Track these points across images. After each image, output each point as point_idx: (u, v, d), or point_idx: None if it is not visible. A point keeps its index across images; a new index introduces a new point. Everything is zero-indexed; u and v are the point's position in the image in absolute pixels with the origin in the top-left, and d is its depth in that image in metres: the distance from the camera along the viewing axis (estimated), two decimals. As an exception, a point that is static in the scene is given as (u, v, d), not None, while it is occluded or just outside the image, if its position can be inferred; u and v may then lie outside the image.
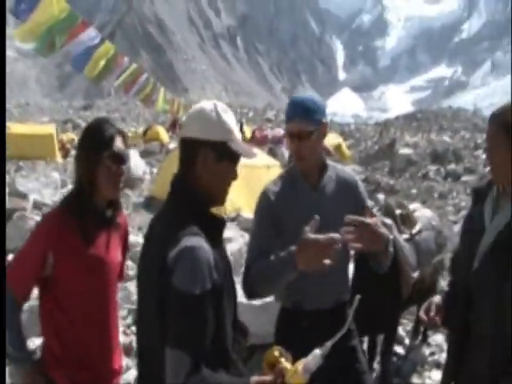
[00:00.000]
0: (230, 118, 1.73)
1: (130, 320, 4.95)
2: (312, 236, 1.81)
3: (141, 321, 1.79)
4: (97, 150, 2.08)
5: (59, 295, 2.06)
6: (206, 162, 1.68)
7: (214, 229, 1.71)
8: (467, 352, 2.04)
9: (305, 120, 2.19)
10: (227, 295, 1.68)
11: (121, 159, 2.13)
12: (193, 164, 1.69)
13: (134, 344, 4.19)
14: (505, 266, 1.86)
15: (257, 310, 3.95)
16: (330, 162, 2.43)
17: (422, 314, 2.18)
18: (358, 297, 1.65)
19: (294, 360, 1.57)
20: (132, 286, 5.39)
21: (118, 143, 2.13)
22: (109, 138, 2.10)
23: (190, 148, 1.70)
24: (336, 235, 1.78)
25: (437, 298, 2.21)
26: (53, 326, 2.09)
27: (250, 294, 2.16)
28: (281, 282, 2.01)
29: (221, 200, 1.78)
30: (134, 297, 5.27)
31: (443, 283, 6.14)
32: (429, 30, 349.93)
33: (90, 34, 5.42)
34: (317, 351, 1.55)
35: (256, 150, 12.54)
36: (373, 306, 3.04)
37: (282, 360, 1.57)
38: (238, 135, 1.75)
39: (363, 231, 1.90)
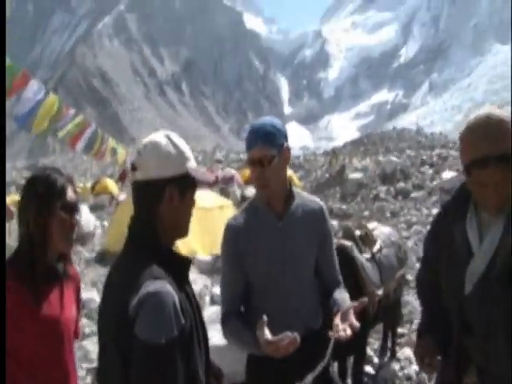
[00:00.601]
0: (184, 145, 1.66)
1: (88, 380, 4.74)
2: (269, 339, 1.80)
3: (103, 380, 1.62)
4: (49, 200, 1.95)
5: (14, 370, 1.89)
6: (172, 199, 1.60)
7: (179, 269, 1.60)
8: None
9: (266, 145, 2.13)
10: (197, 340, 1.57)
11: (74, 209, 2.02)
12: (156, 205, 1.59)
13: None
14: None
15: (221, 350, 3.87)
16: (295, 189, 2.36)
17: (417, 361, 2.14)
18: (334, 336, 1.71)
19: None
20: (89, 345, 5.20)
21: (70, 193, 2.02)
22: (61, 188, 1.99)
23: (152, 189, 1.59)
24: (294, 335, 1.76)
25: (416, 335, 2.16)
26: None
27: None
28: (249, 351, 2.09)
29: (185, 232, 1.70)
30: (92, 355, 5.07)
31: (407, 297, 6.24)
32: (369, 59, 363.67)
33: (33, 88, 5.28)
34: None
35: (208, 192, 12.58)
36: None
37: None
38: (193, 160, 1.68)
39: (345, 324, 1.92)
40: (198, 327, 1.61)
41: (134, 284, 1.45)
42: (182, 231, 1.69)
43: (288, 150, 2.22)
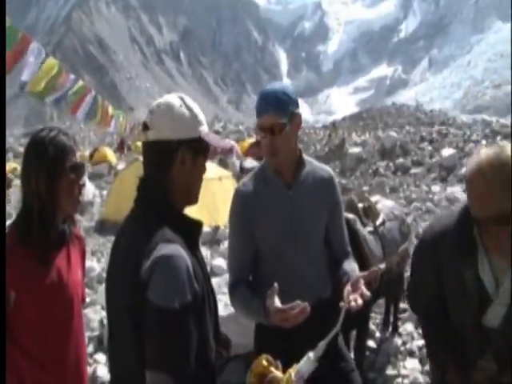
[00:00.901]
0: (197, 109, 1.61)
1: (91, 348, 4.73)
2: (279, 307, 1.77)
3: (113, 347, 1.59)
4: (59, 162, 1.90)
5: (22, 336, 1.87)
6: (183, 162, 1.56)
7: (190, 233, 1.57)
8: None
9: (277, 113, 2.07)
10: (208, 306, 1.55)
11: (82, 170, 1.99)
12: (168, 167, 1.56)
13: (98, 374, 4.02)
14: None
15: (224, 321, 3.87)
16: (306, 157, 2.31)
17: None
18: (343, 304, 1.70)
19: (284, 367, 1.49)
20: (90, 313, 5.19)
21: (77, 154, 2.01)
22: (70, 149, 1.95)
23: (164, 151, 1.55)
24: (305, 304, 1.72)
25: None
26: (17, 375, 1.87)
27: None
28: (256, 321, 2.07)
29: (196, 199, 1.66)
30: (94, 324, 5.07)
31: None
32: (368, 33, 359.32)
33: (34, 51, 5.14)
34: (310, 355, 1.47)
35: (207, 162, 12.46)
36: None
37: (272, 369, 1.48)
38: (206, 125, 1.64)
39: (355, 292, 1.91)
40: (209, 293, 1.59)
41: (146, 247, 1.42)
42: (192, 197, 1.66)
43: (299, 117, 2.18)
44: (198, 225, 1.61)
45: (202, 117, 1.62)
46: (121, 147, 28.35)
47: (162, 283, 1.37)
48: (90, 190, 14.42)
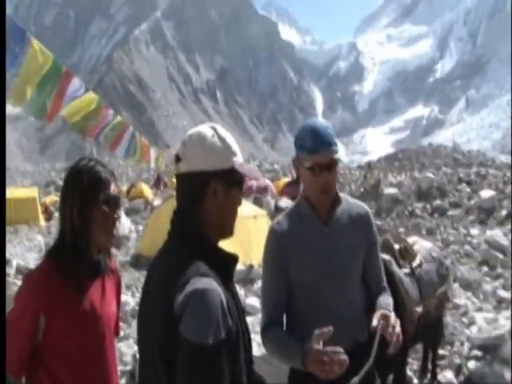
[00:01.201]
0: (231, 139, 1.59)
1: (123, 382, 4.77)
2: (321, 349, 1.73)
3: (144, 382, 1.56)
4: (93, 192, 1.92)
5: (51, 362, 1.89)
6: (216, 194, 1.52)
7: (225, 267, 1.52)
8: None
9: (332, 148, 2.09)
10: (243, 343, 1.49)
11: (117, 203, 2.00)
12: (201, 199, 1.52)
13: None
14: None
15: (258, 361, 3.85)
16: (341, 193, 2.30)
17: None
18: (379, 328, 1.63)
19: None
20: (123, 347, 5.25)
21: (113, 186, 2.00)
22: (105, 180, 1.96)
23: (196, 182, 1.52)
24: (345, 358, 1.69)
25: None
26: None
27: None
28: (291, 364, 2.01)
29: (230, 231, 1.61)
30: (127, 358, 5.13)
31: (449, 318, 6.07)
32: (403, 73, 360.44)
33: (75, 85, 5.28)
34: None
35: (242, 200, 12.54)
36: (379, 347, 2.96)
37: None
38: (241, 155, 1.62)
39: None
40: (244, 330, 1.53)
41: (179, 281, 1.38)
42: (227, 229, 1.61)
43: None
44: (233, 258, 1.56)
45: (235, 147, 1.58)
46: (157, 183, 28.97)
47: (195, 318, 1.33)
48: (126, 224, 14.67)
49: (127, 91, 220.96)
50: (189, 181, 1.53)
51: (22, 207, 18.41)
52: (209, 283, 1.37)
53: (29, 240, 12.57)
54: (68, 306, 1.88)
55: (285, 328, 2.18)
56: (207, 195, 1.51)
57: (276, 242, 2.18)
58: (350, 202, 2.30)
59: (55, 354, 1.89)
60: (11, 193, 20.94)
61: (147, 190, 25.19)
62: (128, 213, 18.61)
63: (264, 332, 2.16)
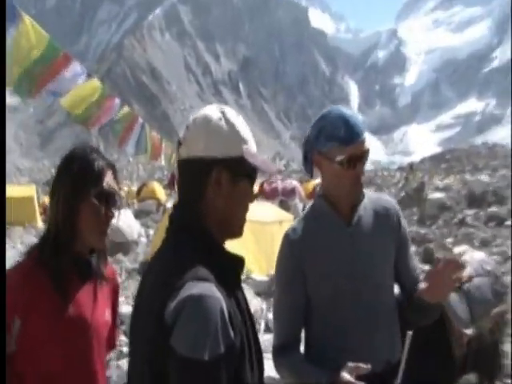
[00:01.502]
0: (242, 125, 1.54)
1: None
2: (349, 378, 1.77)
3: None
4: (83, 184, 1.87)
5: (27, 372, 1.81)
6: (219, 184, 1.47)
7: (229, 270, 1.46)
8: None
9: (364, 138, 2.11)
10: (249, 360, 1.41)
11: (111, 199, 1.93)
12: (202, 189, 1.48)
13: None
14: None
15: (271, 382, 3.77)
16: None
17: None
18: (410, 333, 1.67)
19: None
20: (126, 365, 5.20)
21: (109, 179, 1.93)
22: (98, 171, 1.90)
23: (197, 170, 1.48)
24: None
25: None
26: None
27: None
28: None
29: (238, 230, 1.56)
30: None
31: (510, 347, 5.83)
32: (453, 62, 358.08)
33: (75, 70, 5.18)
34: None
35: (266, 204, 12.49)
36: (421, 375, 2.80)
37: None
38: (254, 145, 1.56)
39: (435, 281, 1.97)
40: (251, 345, 1.45)
41: (173, 284, 1.32)
42: (234, 227, 1.55)
43: None
44: (239, 260, 1.50)
45: (247, 134, 1.54)
46: (171, 183, 29.09)
47: (189, 329, 1.26)
48: (135, 228, 14.75)
49: (139, 82, 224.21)
50: (189, 167, 1.51)
51: (16, 207, 18.64)
52: (207, 288, 1.31)
53: (23, 243, 12.66)
54: (50, 307, 1.82)
55: (302, 350, 2.17)
56: (209, 183, 1.48)
57: (291, 252, 2.14)
58: (372, 196, 2.27)
59: (33, 362, 1.81)
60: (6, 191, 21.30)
61: (160, 190, 25.37)
62: (138, 215, 18.75)
63: (277, 355, 2.15)
